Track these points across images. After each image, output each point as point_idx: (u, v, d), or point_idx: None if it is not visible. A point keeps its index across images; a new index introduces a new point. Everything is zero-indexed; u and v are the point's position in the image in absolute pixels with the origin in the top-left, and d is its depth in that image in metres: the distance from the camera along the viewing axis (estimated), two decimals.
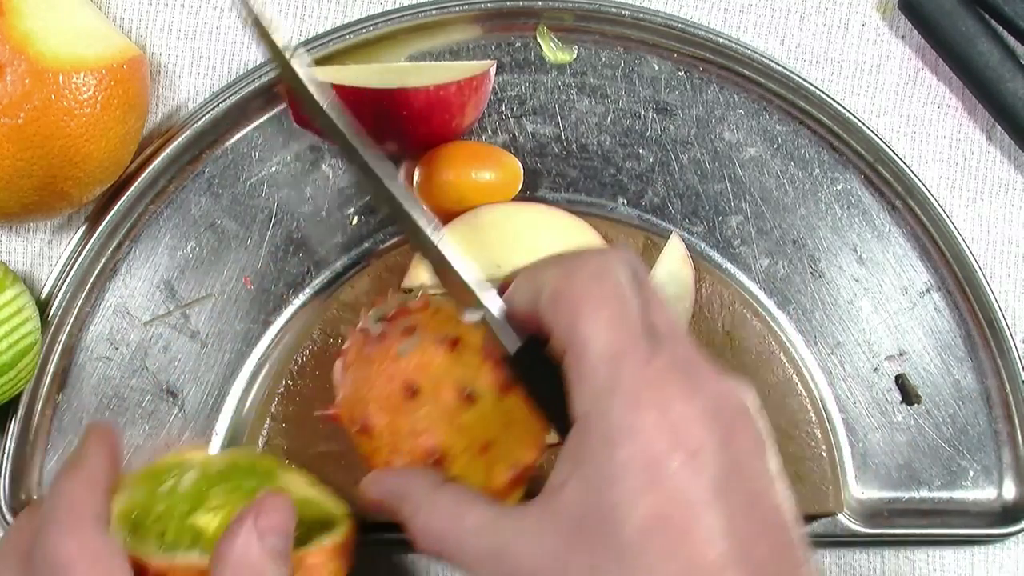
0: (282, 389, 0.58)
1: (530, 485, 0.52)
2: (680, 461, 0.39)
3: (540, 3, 0.60)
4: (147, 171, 0.60)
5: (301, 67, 0.48)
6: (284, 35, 0.48)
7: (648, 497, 0.38)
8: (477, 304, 0.46)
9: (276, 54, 0.47)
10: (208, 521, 0.48)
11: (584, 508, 0.39)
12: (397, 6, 0.61)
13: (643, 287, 0.43)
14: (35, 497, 0.60)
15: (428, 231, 0.47)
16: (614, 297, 0.41)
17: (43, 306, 0.60)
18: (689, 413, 0.40)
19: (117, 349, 0.61)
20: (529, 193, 0.61)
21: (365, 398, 0.51)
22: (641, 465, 0.39)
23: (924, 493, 0.61)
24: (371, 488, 0.48)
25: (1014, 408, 0.61)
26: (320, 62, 0.60)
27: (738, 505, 0.39)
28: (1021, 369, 0.60)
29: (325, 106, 0.47)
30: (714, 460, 0.39)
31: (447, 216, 0.59)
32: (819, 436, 0.59)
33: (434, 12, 0.60)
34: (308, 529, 0.48)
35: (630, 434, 0.39)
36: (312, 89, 0.47)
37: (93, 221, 0.61)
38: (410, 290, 0.59)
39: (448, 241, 0.47)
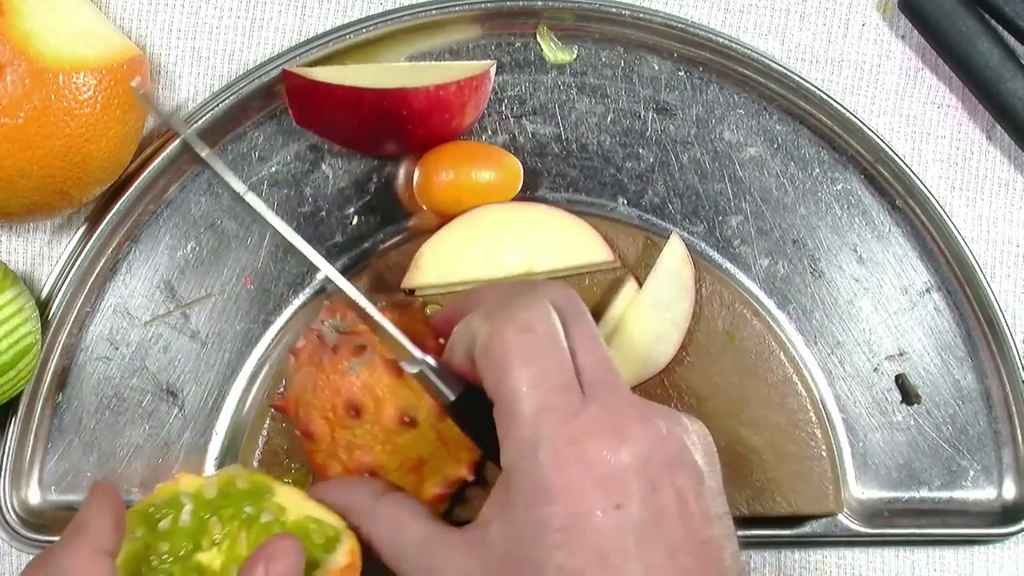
0: (282, 389, 0.58)
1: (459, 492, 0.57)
2: (600, 517, 0.41)
3: (540, 3, 0.60)
4: (147, 171, 0.60)
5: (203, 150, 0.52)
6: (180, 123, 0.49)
7: (563, 553, 0.40)
8: (413, 359, 0.49)
9: (165, 120, 0.50)
10: (212, 559, 0.48)
11: (507, 550, 0.41)
12: (397, 6, 0.61)
13: (574, 326, 0.45)
14: (35, 497, 0.60)
15: (362, 300, 0.50)
16: (540, 351, 0.43)
17: (43, 306, 0.60)
18: (613, 466, 0.41)
19: (117, 349, 0.61)
20: (529, 193, 0.61)
21: (310, 403, 0.54)
22: (560, 523, 0.40)
23: (924, 493, 0.61)
24: (318, 497, 0.51)
25: (1014, 408, 0.61)
26: (320, 62, 0.60)
27: (662, 552, 0.41)
28: (1021, 369, 0.60)
29: (242, 191, 0.51)
30: (639, 510, 0.41)
31: (447, 216, 0.59)
32: (819, 436, 0.59)
33: (434, 12, 0.60)
34: (312, 552, 0.48)
35: (549, 493, 0.41)
36: (223, 174, 0.50)
37: (93, 221, 0.61)
38: (412, 291, 0.59)
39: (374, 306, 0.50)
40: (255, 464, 0.58)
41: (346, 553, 0.48)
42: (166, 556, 0.48)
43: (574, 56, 0.61)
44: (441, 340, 0.54)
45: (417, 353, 0.49)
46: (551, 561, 0.40)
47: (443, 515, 0.58)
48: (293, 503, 0.50)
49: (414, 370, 0.50)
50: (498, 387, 0.43)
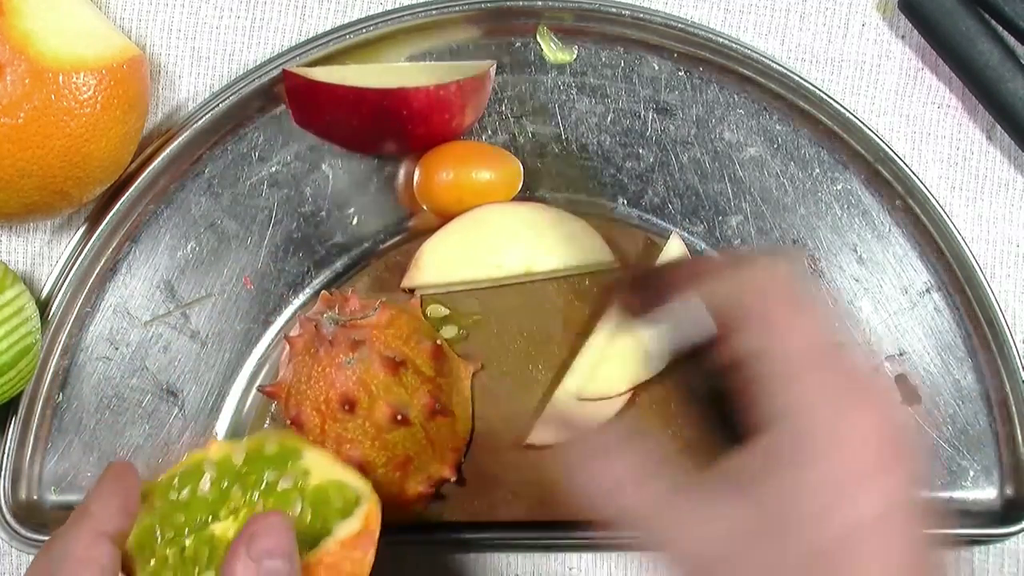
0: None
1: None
2: (880, 481, 0.39)
3: (540, 3, 0.60)
4: (147, 171, 0.60)
5: None
6: None
7: (841, 514, 0.38)
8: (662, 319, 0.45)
9: None
10: (225, 528, 0.48)
11: (776, 508, 0.39)
12: (397, 6, 0.61)
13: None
14: (35, 497, 0.60)
15: None
16: (811, 304, 0.41)
17: (43, 306, 0.60)
18: (885, 430, 0.40)
19: (117, 349, 0.61)
20: (529, 193, 0.61)
21: (303, 392, 0.54)
22: (841, 480, 0.39)
23: (924, 493, 0.61)
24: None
25: (1014, 408, 0.61)
26: (320, 62, 0.60)
27: (916, 534, 0.39)
28: (1021, 369, 0.60)
29: None
30: (906, 481, 0.40)
31: (447, 216, 0.59)
32: None
33: (434, 12, 0.60)
34: (328, 519, 0.47)
35: (830, 448, 0.39)
36: None
37: (93, 221, 0.61)
38: (411, 290, 0.59)
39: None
40: None
41: (360, 518, 0.47)
42: (183, 528, 0.48)
43: (574, 56, 0.61)
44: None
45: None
46: (830, 522, 0.38)
47: (422, 513, 0.58)
48: (319, 466, 0.49)
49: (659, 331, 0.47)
50: (771, 337, 0.41)
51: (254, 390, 0.60)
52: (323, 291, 0.58)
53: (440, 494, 0.59)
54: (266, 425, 0.59)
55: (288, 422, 0.56)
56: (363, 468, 0.55)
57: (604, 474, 0.42)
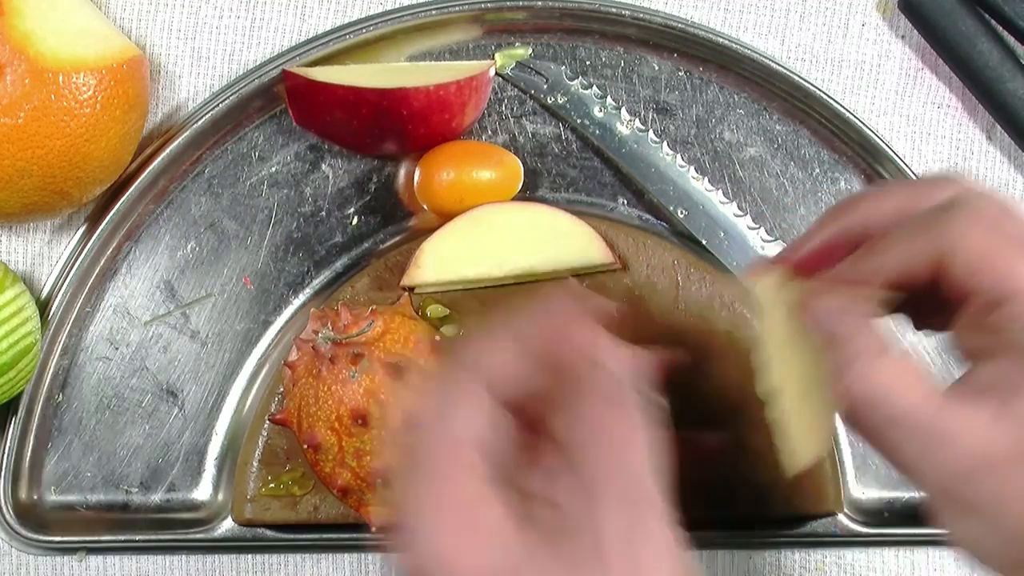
0: (282, 389, 0.58)
1: None
2: None
3: (540, 3, 0.60)
4: (147, 171, 0.60)
5: None
6: None
7: None
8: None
9: None
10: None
11: None
12: (397, 6, 0.61)
13: None
14: (35, 497, 0.60)
15: None
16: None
17: (43, 306, 0.60)
18: None
19: (117, 349, 0.61)
20: (529, 193, 0.61)
21: (314, 414, 0.55)
22: None
23: (924, 493, 0.61)
24: (817, 303, 0.43)
25: None
26: (320, 62, 0.60)
27: None
28: None
29: None
30: None
31: (447, 215, 0.59)
32: None
33: (434, 12, 0.60)
34: None
35: None
36: None
37: (93, 221, 0.61)
38: (411, 289, 0.59)
39: None
40: (255, 464, 0.58)
41: None
42: None
43: (529, 51, 0.61)
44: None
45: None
46: None
47: None
48: None
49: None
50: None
51: (254, 390, 0.60)
52: (312, 309, 0.58)
53: None
54: (265, 426, 0.58)
55: (304, 446, 0.56)
56: (387, 476, 0.54)
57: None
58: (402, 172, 0.61)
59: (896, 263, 0.41)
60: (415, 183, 0.60)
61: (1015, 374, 0.39)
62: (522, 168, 0.60)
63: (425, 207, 0.60)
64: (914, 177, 0.60)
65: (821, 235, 0.44)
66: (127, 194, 0.60)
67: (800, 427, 0.44)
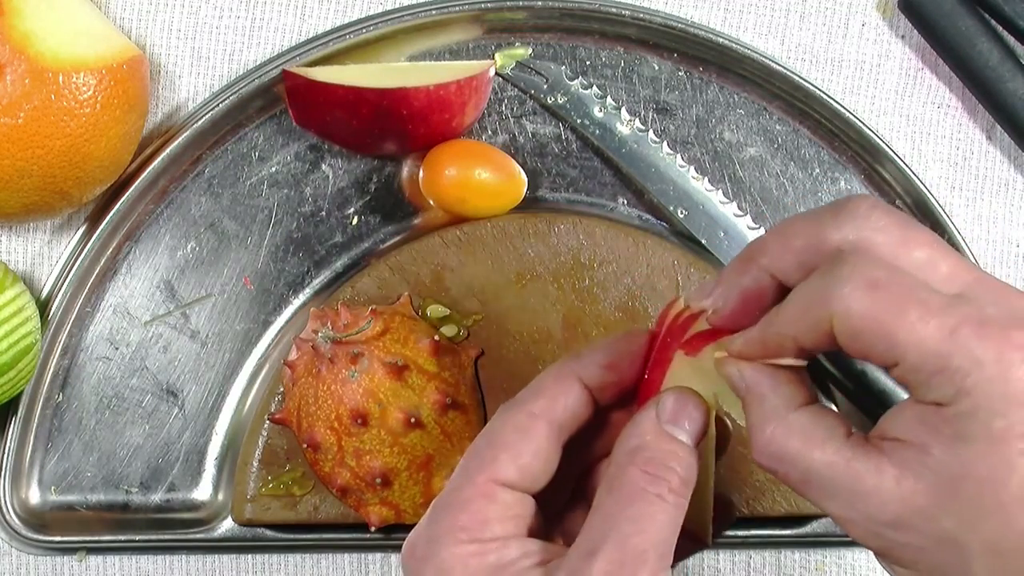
0: (282, 389, 0.58)
1: None
2: None
3: (540, 3, 0.60)
4: (147, 171, 0.60)
5: None
6: None
7: None
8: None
9: None
10: None
11: (958, 470, 0.39)
12: (397, 6, 0.61)
13: (916, 235, 0.41)
14: (35, 497, 0.60)
15: None
16: (904, 294, 0.39)
17: (43, 306, 0.60)
18: None
19: (117, 349, 0.61)
20: (529, 193, 0.61)
21: (313, 414, 0.55)
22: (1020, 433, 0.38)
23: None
24: (726, 371, 0.44)
25: None
26: (320, 62, 0.60)
27: None
28: None
29: None
30: None
31: (454, 211, 0.59)
32: None
33: (434, 12, 0.60)
34: None
35: (1008, 403, 0.38)
36: None
37: (93, 221, 0.61)
38: (399, 296, 0.59)
39: None
40: (255, 464, 0.58)
41: None
42: None
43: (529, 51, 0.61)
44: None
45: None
46: (1017, 472, 0.38)
47: None
48: None
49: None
50: (895, 352, 0.39)
51: (254, 390, 0.60)
52: (312, 309, 0.58)
53: None
54: (265, 426, 0.59)
55: (304, 445, 0.56)
56: (386, 475, 0.55)
57: (787, 436, 0.41)
58: (405, 170, 0.61)
59: (796, 332, 0.41)
60: (420, 180, 0.60)
61: (917, 429, 0.40)
62: (526, 181, 0.60)
63: (432, 202, 0.60)
64: (913, 176, 0.60)
65: (735, 289, 0.43)
66: (127, 194, 0.60)
67: None
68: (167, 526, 0.60)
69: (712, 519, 0.46)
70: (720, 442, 0.46)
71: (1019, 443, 0.38)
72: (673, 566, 0.45)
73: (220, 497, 0.60)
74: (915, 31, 0.61)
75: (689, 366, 0.44)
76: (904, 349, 0.39)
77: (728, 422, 0.46)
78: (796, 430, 0.41)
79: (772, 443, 0.41)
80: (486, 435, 0.44)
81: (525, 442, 0.43)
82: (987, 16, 0.60)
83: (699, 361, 0.43)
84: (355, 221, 0.61)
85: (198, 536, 0.60)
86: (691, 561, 0.62)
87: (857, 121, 0.60)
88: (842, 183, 0.62)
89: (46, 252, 0.61)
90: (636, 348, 0.45)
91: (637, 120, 0.61)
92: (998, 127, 0.62)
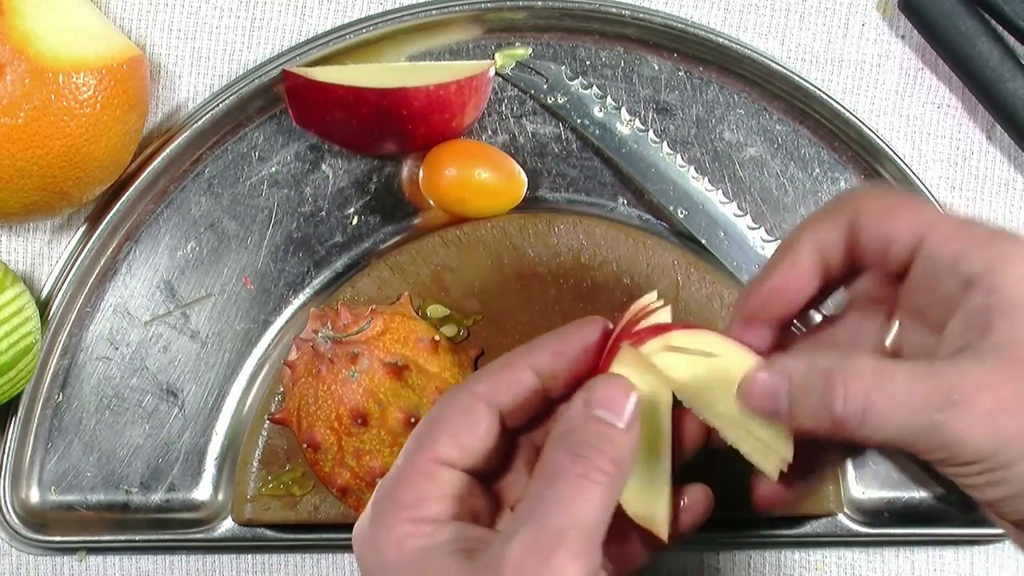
0: (282, 389, 0.58)
1: None
2: None
3: (540, 3, 0.60)
4: (147, 171, 0.60)
5: None
6: None
7: None
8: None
9: None
10: None
11: (1004, 370, 0.39)
12: (397, 6, 0.61)
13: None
14: (35, 497, 0.60)
15: None
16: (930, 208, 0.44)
17: (43, 306, 0.60)
18: None
19: (117, 349, 0.61)
20: (529, 193, 0.61)
21: (313, 414, 0.55)
22: None
23: (924, 493, 0.61)
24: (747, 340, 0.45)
25: None
26: (320, 62, 0.60)
27: None
28: None
29: None
30: None
31: (453, 212, 0.59)
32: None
33: (434, 12, 0.60)
34: None
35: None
36: None
37: (93, 221, 0.61)
38: (399, 296, 0.59)
39: None
40: (255, 464, 0.58)
41: None
42: None
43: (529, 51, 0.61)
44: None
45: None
46: None
47: None
48: None
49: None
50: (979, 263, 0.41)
51: (254, 390, 0.60)
52: (312, 309, 0.58)
53: None
54: (265, 426, 0.59)
55: (304, 445, 0.56)
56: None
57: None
58: (405, 170, 0.61)
59: (819, 232, 0.43)
60: (420, 180, 0.60)
61: (975, 322, 0.40)
62: (526, 181, 0.60)
63: (432, 202, 0.60)
64: (913, 176, 0.60)
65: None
66: (127, 194, 0.60)
67: (753, 451, 0.45)
68: (167, 526, 0.60)
69: (674, 517, 0.46)
70: (688, 437, 0.46)
71: None
72: (632, 571, 0.45)
73: (220, 497, 0.60)
74: (915, 31, 0.61)
75: (636, 357, 0.44)
76: (930, 228, 0.41)
77: (699, 419, 0.46)
78: (863, 372, 0.41)
79: (865, 413, 0.40)
80: (429, 416, 0.44)
81: (465, 421, 0.43)
82: (987, 16, 0.60)
83: (646, 353, 0.44)
84: (355, 221, 0.61)
85: (198, 536, 0.60)
86: (691, 561, 0.62)
87: (857, 121, 0.60)
88: (842, 183, 0.62)
89: (46, 252, 0.61)
90: (588, 337, 0.46)
91: (637, 120, 0.61)
92: (998, 127, 0.62)
